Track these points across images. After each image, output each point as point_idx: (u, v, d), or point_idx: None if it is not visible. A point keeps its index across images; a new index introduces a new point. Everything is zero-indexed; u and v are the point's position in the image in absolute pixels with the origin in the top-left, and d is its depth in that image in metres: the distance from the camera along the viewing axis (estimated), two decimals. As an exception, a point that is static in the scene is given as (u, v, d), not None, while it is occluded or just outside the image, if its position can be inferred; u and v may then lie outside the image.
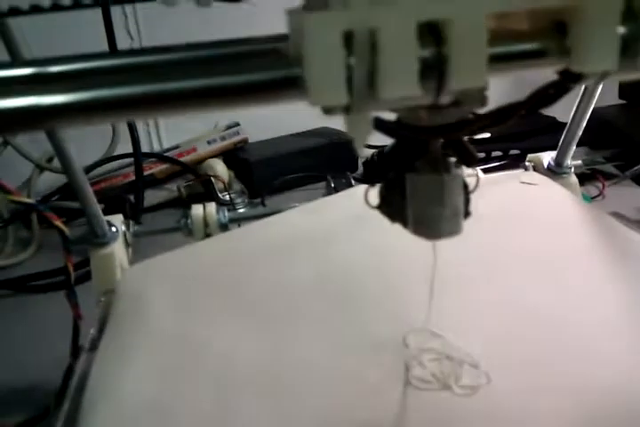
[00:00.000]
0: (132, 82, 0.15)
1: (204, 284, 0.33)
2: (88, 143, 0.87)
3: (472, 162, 0.22)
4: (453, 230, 0.21)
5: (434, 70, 0.15)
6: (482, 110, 0.20)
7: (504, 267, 0.33)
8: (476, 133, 0.20)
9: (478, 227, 0.34)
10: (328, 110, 0.15)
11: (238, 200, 0.78)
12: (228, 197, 0.78)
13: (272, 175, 0.79)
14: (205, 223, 0.47)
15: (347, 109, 0.15)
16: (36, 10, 0.40)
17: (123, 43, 0.76)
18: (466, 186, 0.22)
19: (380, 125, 0.21)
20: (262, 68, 0.15)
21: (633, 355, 0.27)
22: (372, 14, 0.14)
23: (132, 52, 0.19)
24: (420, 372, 0.26)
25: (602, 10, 0.15)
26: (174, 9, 0.69)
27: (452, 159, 0.21)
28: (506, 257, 0.33)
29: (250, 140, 0.87)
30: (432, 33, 0.15)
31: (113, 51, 0.60)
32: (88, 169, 0.80)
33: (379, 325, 0.29)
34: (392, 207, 0.22)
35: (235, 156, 0.84)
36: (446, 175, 0.20)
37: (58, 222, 0.35)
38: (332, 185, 0.58)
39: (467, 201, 0.22)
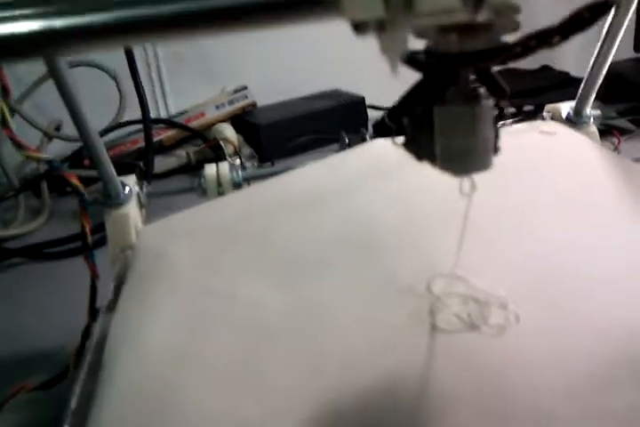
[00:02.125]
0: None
1: (226, 238, 0.33)
2: (95, 110, 0.86)
3: (503, 95, 0.21)
4: (483, 165, 0.21)
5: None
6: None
7: (531, 215, 0.32)
8: (508, 61, 0.19)
9: (503, 176, 0.33)
10: (361, 28, 0.14)
11: (248, 164, 0.77)
12: (238, 162, 0.77)
13: (281, 139, 0.78)
14: (219, 183, 0.47)
15: (381, 26, 0.14)
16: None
17: None
18: (496, 119, 0.21)
19: (409, 59, 0.20)
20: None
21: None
22: None
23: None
24: (447, 314, 0.25)
25: None
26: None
27: (482, 90, 0.20)
28: (532, 205, 0.32)
29: (258, 104, 0.86)
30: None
31: None
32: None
33: (404, 272, 0.28)
34: (419, 144, 0.21)
35: (243, 120, 0.83)
36: (478, 106, 0.19)
37: (75, 180, 0.34)
38: (347, 141, 0.57)
39: (496, 135, 0.21)
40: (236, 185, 0.47)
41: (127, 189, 0.43)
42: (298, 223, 0.33)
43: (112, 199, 0.42)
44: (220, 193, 0.47)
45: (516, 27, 0.19)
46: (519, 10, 0.18)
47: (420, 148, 0.21)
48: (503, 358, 0.23)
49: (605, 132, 0.72)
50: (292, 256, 0.31)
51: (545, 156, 0.37)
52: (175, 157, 0.82)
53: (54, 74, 0.34)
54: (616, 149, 0.71)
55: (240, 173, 0.47)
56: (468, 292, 0.26)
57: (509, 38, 0.20)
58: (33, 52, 0.15)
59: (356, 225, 0.32)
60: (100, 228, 0.43)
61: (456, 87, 0.20)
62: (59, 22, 0.14)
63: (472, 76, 0.20)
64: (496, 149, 0.21)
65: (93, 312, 0.38)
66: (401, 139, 0.22)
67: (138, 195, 0.45)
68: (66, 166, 0.77)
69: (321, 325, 0.26)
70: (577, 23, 0.19)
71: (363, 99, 0.84)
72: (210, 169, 0.47)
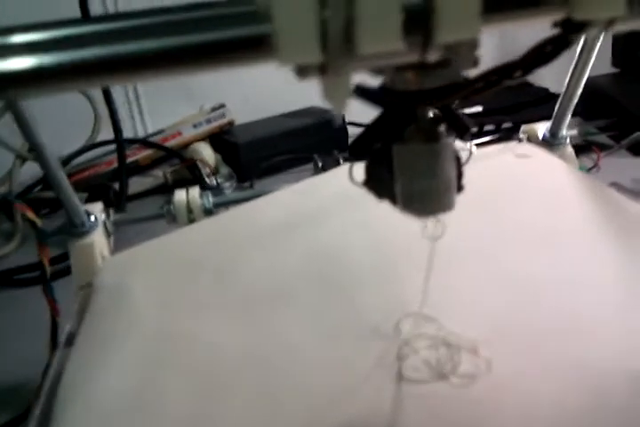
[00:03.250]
0: (88, 44, 0.13)
1: (189, 272, 0.31)
2: (70, 131, 0.85)
3: (464, 132, 0.20)
4: (445, 206, 0.19)
5: (419, 20, 0.13)
6: (473, 74, 0.19)
7: (503, 243, 0.31)
8: (468, 97, 0.18)
9: (473, 202, 0.32)
10: (302, 71, 0.13)
11: (226, 184, 0.76)
12: (215, 182, 0.76)
13: (260, 157, 0.77)
14: (189, 209, 0.46)
15: (322, 69, 0.13)
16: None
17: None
18: (458, 158, 0.20)
19: (363, 93, 0.19)
20: (227, 26, 0.13)
21: (635, 333, 0.25)
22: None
23: (91, 19, 0.17)
24: (414, 361, 0.24)
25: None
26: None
27: (443, 128, 0.19)
28: (504, 233, 0.31)
29: (236, 122, 0.85)
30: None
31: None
32: (70, 158, 0.78)
33: (371, 309, 0.27)
34: (379, 183, 0.20)
35: (221, 138, 0.82)
36: (437, 145, 0.18)
37: (29, 213, 0.33)
38: (320, 164, 0.56)
39: (459, 174, 0.20)
40: (207, 211, 0.45)
41: (92, 217, 0.42)
42: (264, 256, 0.31)
43: (76, 228, 0.40)
44: (191, 219, 0.46)
45: (475, 62, 0.18)
46: (476, 45, 0.17)
47: (380, 187, 0.20)
48: (470, 411, 0.22)
49: (585, 148, 0.71)
50: (256, 291, 0.29)
51: (519, 182, 0.36)
52: (151, 178, 0.81)
53: (9, 104, 0.33)
54: (596, 165, 0.70)
55: (210, 199, 0.45)
56: (437, 334, 0.25)
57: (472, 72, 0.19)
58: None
59: (324, 258, 0.31)
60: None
61: (415, 125, 0.19)
62: None
63: (433, 113, 0.19)
64: (459, 189, 0.20)
65: (54, 349, 0.36)
66: (361, 176, 0.21)
67: (104, 223, 0.43)
68: (37, 191, 0.75)
69: (281, 371, 0.25)
70: (539, 57, 0.18)
71: (342, 116, 0.83)
72: (179, 195, 0.45)
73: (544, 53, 0.18)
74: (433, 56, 0.14)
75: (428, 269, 0.23)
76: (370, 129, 0.19)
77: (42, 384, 0.35)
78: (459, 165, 0.20)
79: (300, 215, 0.34)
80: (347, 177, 0.40)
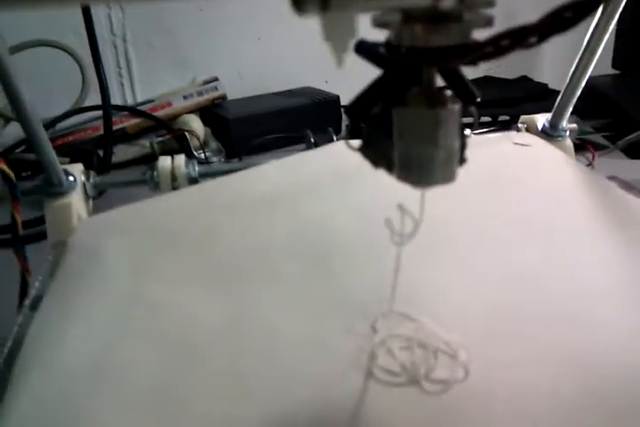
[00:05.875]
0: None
1: (167, 238, 0.30)
2: (56, 94, 0.83)
3: (472, 100, 0.19)
4: (446, 177, 0.18)
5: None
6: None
7: (498, 236, 0.29)
8: (477, 62, 0.17)
9: (469, 190, 0.31)
10: (300, 5, 0.12)
11: (214, 159, 0.75)
12: (203, 155, 0.74)
13: (251, 134, 0.75)
14: (173, 177, 0.44)
15: (324, 3, 0.11)
16: None
17: None
18: (462, 127, 0.19)
19: (364, 49, 0.18)
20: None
21: (629, 322, 0.24)
22: None
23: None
24: (387, 361, 0.22)
25: None
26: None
27: (449, 92, 0.18)
28: (500, 226, 0.30)
29: (229, 98, 0.83)
30: None
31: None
32: (55, 121, 0.75)
33: (352, 296, 0.26)
34: (376, 149, 0.19)
35: (212, 112, 0.80)
36: (442, 109, 0.17)
37: (2, 165, 0.31)
38: (312, 140, 0.54)
39: (463, 144, 0.19)
40: (192, 180, 0.44)
41: (71, 178, 0.40)
42: (246, 227, 0.30)
43: (53, 188, 0.39)
44: (175, 187, 0.44)
45: (489, 21, 0.16)
46: (492, 3, 0.16)
47: (377, 153, 0.19)
48: (435, 423, 0.20)
49: (580, 147, 0.70)
50: (235, 263, 0.28)
51: (517, 170, 0.35)
52: (138, 147, 0.79)
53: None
54: (590, 164, 0.69)
55: (196, 168, 0.44)
56: (416, 334, 0.23)
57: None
58: None
59: (308, 234, 0.30)
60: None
61: (419, 87, 0.17)
62: None
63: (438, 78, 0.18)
64: (462, 161, 0.19)
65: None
66: (357, 141, 0.20)
67: (84, 185, 0.42)
68: (19, 152, 0.73)
69: (254, 349, 0.23)
70: (557, 23, 0.17)
71: (337, 97, 0.82)
72: (164, 162, 0.44)
73: (563, 19, 0.17)
74: (447, 3, 0.13)
75: (396, 270, 0.22)
76: (370, 89, 0.18)
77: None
78: (462, 134, 0.18)
79: (288, 189, 0.33)
80: (337, 154, 0.39)
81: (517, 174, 0.35)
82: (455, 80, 0.18)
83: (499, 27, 0.17)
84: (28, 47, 0.77)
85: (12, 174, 0.31)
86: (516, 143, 0.39)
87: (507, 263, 0.28)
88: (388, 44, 0.17)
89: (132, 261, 0.29)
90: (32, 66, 0.77)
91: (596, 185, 0.33)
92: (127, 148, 0.79)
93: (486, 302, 0.26)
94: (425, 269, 0.27)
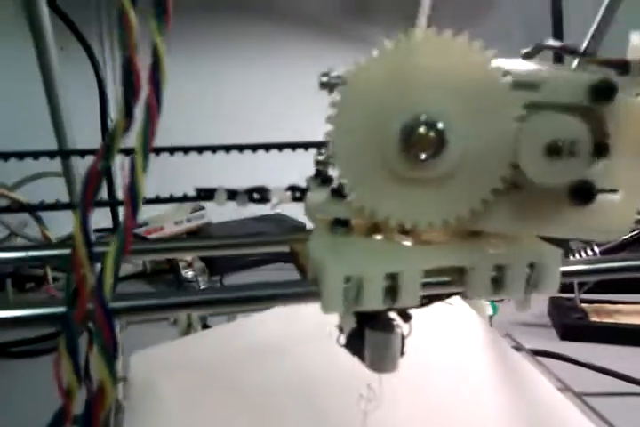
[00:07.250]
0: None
1: (205, 376, 0.43)
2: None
3: (407, 320, 0.34)
4: (394, 367, 0.33)
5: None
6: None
7: (425, 385, 0.44)
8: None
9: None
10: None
11: (199, 278, 0.89)
12: (189, 275, 0.88)
13: (232, 256, 0.90)
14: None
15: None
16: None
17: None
18: (402, 336, 0.34)
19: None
20: (291, 286, 0.27)
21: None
22: (363, 268, 0.26)
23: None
24: None
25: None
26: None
27: (395, 320, 0.33)
28: (424, 376, 0.45)
29: (212, 222, 0.99)
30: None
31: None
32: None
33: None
34: (355, 347, 0.34)
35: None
36: (390, 334, 0.32)
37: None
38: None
39: (402, 345, 0.34)
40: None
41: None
42: (259, 371, 0.44)
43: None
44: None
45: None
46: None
47: (355, 350, 0.34)
48: None
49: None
50: (257, 402, 0.41)
51: (439, 329, 0.50)
52: (132, 265, 0.92)
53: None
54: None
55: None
56: None
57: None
58: None
59: (306, 380, 0.43)
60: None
61: (378, 319, 0.33)
62: None
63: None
64: (402, 354, 0.34)
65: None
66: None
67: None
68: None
69: None
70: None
71: (304, 225, 0.98)
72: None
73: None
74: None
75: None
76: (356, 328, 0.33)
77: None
78: (402, 339, 0.33)
79: (287, 339, 0.47)
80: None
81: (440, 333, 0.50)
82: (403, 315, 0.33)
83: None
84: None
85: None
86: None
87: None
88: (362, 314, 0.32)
89: (182, 395, 0.42)
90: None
91: (493, 343, 0.49)
92: (122, 265, 0.91)
93: None
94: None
